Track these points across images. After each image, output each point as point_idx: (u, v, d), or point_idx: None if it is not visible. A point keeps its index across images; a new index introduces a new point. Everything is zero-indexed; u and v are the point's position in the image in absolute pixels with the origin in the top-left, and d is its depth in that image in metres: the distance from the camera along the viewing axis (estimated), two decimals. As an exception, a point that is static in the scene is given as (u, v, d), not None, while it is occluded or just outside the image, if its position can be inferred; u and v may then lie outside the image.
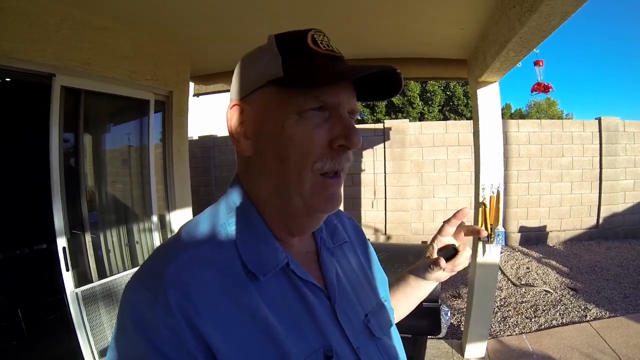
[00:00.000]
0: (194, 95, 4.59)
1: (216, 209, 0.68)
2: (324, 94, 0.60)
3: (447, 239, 0.89)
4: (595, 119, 7.41)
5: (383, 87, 0.67)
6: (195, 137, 8.84)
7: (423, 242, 3.16)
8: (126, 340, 0.55)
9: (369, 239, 0.95)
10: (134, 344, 0.53)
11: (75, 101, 2.63)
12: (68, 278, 2.49)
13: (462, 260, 0.86)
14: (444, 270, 0.84)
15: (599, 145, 7.35)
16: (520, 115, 25.52)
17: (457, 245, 0.89)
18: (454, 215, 0.88)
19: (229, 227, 0.64)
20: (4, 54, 2.05)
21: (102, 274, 2.81)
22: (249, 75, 0.65)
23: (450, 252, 0.87)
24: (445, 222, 0.89)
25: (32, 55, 2.20)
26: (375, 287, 0.83)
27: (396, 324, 0.93)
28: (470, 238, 0.93)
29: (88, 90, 2.66)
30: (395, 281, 0.96)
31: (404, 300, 0.95)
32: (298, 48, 0.62)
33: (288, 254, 0.64)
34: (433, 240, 0.91)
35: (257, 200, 0.66)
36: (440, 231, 0.89)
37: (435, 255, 0.88)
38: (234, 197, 0.68)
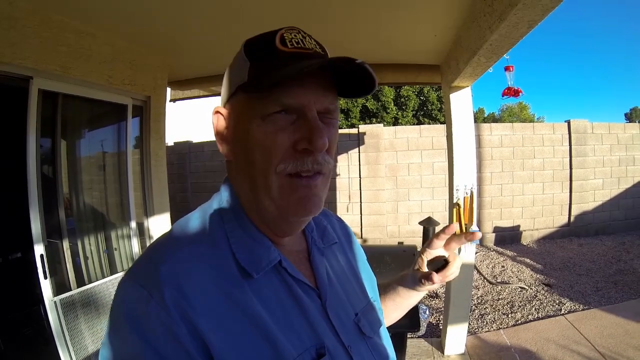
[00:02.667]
0: (170, 101, 4.56)
1: (209, 206, 0.69)
2: (285, 96, 0.59)
3: (436, 251, 0.88)
4: (565, 121, 7.69)
5: (358, 82, 0.64)
6: (171, 143, 8.72)
7: (399, 242, 3.23)
8: (120, 337, 0.54)
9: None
10: (128, 341, 0.53)
11: (53, 105, 2.60)
12: (46, 286, 2.44)
13: (453, 270, 0.86)
14: (435, 283, 0.83)
15: (568, 146, 7.63)
16: (493, 119, 26.21)
17: (446, 256, 0.88)
18: (443, 231, 0.86)
19: (221, 224, 0.65)
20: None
21: (80, 282, 2.77)
22: (227, 83, 0.67)
23: (440, 263, 0.87)
24: (435, 236, 0.87)
25: (10, 57, 2.17)
26: (365, 288, 0.83)
27: None
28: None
29: (66, 94, 2.64)
30: (383, 289, 0.96)
31: (394, 308, 0.95)
32: (264, 50, 0.62)
33: (280, 253, 0.65)
34: (422, 252, 0.89)
35: (241, 201, 0.68)
36: (429, 244, 0.88)
37: (425, 268, 0.88)
38: (225, 196, 0.69)
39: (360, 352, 0.69)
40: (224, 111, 0.67)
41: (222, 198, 0.69)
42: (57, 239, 2.70)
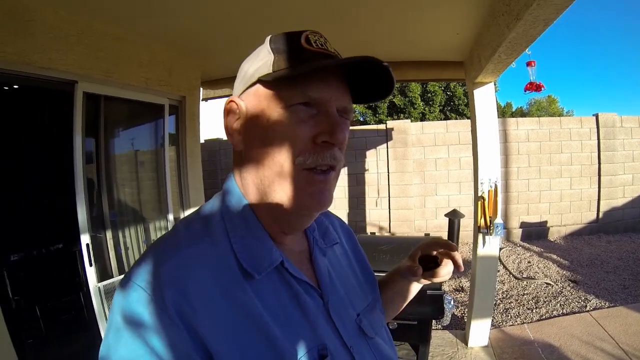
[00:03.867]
0: (202, 100, 4.74)
1: (212, 205, 0.68)
2: (310, 89, 0.60)
3: (434, 252, 0.88)
4: (593, 115, 7.51)
5: (377, 85, 0.67)
6: (202, 141, 8.93)
7: (426, 234, 3.31)
8: (119, 339, 0.53)
9: (359, 244, 0.96)
10: (127, 343, 0.52)
11: (96, 106, 2.79)
12: (91, 273, 2.65)
13: (442, 274, 0.86)
14: (417, 279, 0.86)
15: (597, 141, 7.45)
16: (522, 114, 25.62)
17: (438, 259, 0.88)
18: (447, 246, 0.86)
19: (223, 224, 0.64)
20: (31, 63, 2.22)
21: (121, 270, 2.97)
22: (246, 73, 0.67)
23: (430, 263, 0.88)
24: (438, 244, 0.88)
25: (57, 64, 2.36)
26: (366, 288, 0.83)
27: (403, 312, 0.98)
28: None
29: (107, 96, 2.82)
30: (384, 280, 0.98)
31: (391, 297, 0.96)
32: (290, 47, 0.63)
33: (282, 253, 0.65)
34: (419, 248, 0.90)
35: (248, 196, 0.67)
36: (425, 248, 0.90)
37: (416, 262, 0.88)
38: (229, 194, 0.68)
39: (362, 352, 0.69)
40: (239, 101, 0.66)
41: (225, 195, 0.69)
42: (100, 231, 2.90)
